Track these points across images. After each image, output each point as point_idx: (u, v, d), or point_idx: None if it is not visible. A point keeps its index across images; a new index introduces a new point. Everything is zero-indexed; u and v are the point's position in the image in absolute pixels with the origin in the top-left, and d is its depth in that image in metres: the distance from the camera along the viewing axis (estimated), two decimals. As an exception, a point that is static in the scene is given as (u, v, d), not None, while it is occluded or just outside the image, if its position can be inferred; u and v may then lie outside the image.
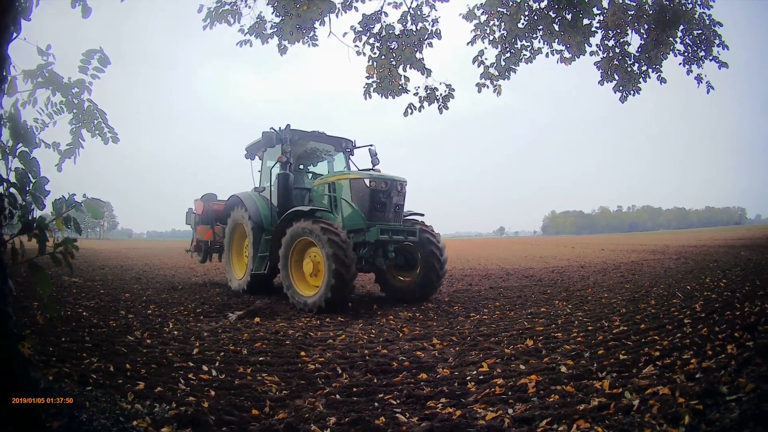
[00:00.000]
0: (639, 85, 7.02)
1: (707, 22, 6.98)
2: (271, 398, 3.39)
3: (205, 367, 3.96)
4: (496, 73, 6.33)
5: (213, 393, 3.36)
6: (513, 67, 6.39)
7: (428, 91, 6.11)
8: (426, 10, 6.19)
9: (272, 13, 6.21)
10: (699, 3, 6.96)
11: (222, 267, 10.25)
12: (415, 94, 6.18)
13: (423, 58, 6.15)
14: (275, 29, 6.22)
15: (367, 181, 7.57)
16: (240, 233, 9.31)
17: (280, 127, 8.47)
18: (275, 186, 8.41)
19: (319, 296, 6.79)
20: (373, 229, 7.27)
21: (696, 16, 6.96)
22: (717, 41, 6.99)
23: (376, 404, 3.34)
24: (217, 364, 4.11)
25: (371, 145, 9.31)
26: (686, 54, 7.08)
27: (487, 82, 6.30)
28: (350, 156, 9.58)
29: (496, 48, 6.40)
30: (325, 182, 8.20)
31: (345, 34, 6.19)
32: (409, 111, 6.27)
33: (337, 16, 6.17)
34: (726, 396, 2.90)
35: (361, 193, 7.57)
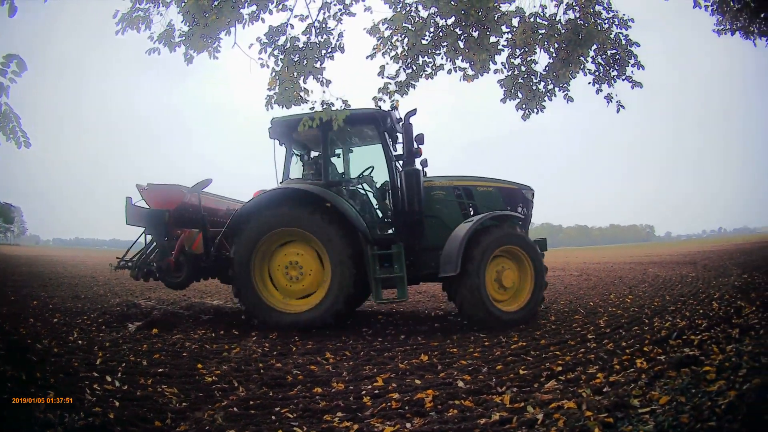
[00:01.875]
0: (543, 103, 7.80)
1: (623, 42, 7.80)
2: (172, 410, 3.84)
3: (108, 378, 4.43)
4: (395, 89, 6.99)
5: (117, 404, 3.78)
6: (412, 82, 7.06)
7: (324, 106, 6.59)
8: (332, 23, 6.71)
9: (182, 21, 6.63)
10: (616, 23, 7.77)
11: (233, 292, 7.97)
12: (311, 108, 6.65)
13: (324, 70, 6.64)
14: (183, 38, 6.63)
15: (527, 193, 8.74)
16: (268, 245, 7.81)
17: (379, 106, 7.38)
18: (404, 184, 7.79)
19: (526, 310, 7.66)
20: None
21: (612, 36, 7.77)
22: (632, 61, 7.82)
23: (273, 417, 3.80)
24: (119, 374, 4.61)
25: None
26: (597, 73, 7.93)
27: (385, 97, 6.96)
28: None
29: (397, 63, 7.02)
30: (449, 185, 8.30)
31: (251, 45, 6.65)
32: (306, 126, 6.77)
33: (243, 27, 6.63)
34: (638, 409, 3.23)
35: (519, 204, 8.55)
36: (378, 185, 8.61)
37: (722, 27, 9.17)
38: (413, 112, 7.89)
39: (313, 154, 9.05)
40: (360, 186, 8.61)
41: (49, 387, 3.84)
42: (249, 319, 7.76)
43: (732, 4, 8.58)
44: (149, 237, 8.83)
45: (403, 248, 7.57)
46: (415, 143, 7.81)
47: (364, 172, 8.66)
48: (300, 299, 7.74)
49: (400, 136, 8.20)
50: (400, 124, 8.09)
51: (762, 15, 8.73)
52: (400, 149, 8.26)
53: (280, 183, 8.32)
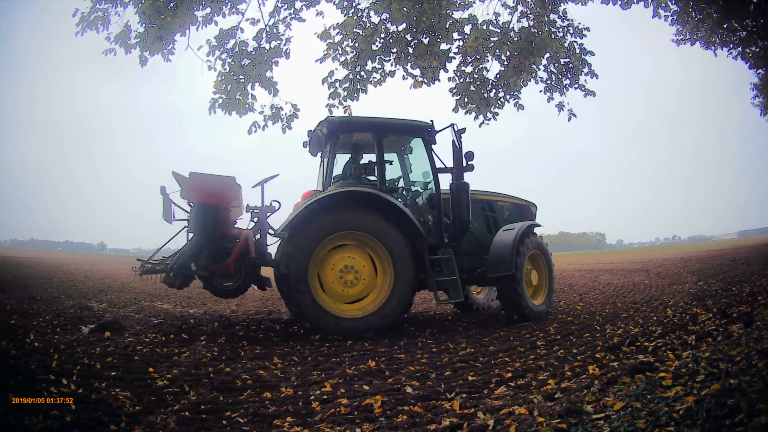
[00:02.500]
0: (496, 111, 8.30)
1: (577, 51, 8.28)
2: (126, 414, 3.92)
3: (64, 380, 4.50)
4: (344, 94, 7.39)
5: (74, 407, 3.83)
6: (361, 88, 7.46)
7: (273, 110, 6.98)
8: (282, 28, 7.01)
9: (138, 22, 6.84)
10: (571, 32, 8.25)
11: (284, 296, 8.08)
12: (261, 112, 6.97)
13: (272, 77, 6.92)
14: (138, 39, 6.85)
15: (533, 208, 9.96)
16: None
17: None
18: (457, 196, 8.53)
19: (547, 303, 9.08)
20: None
21: (566, 44, 8.23)
22: (586, 70, 8.34)
23: (224, 422, 3.88)
24: (74, 377, 4.69)
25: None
26: (549, 82, 8.42)
27: (336, 102, 7.37)
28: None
29: (347, 69, 7.39)
30: (475, 198, 8.97)
31: (200, 47, 6.89)
32: (254, 129, 7.11)
33: (197, 29, 6.90)
34: (592, 414, 3.27)
35: (528, 218, 9.76)
36: (425, 194, 9.00)
37: (681, 37, 9.53)
38: (463, 130, 8.45)
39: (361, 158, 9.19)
40: (410, 193, 9.09)
41: (9, 389, 3.92)
42: (197, 325, 8.04)
43: (693, 15, 8.92)
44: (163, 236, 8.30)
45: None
46: (464, 159, 8.38)
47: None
48: (348, 304, 7.92)
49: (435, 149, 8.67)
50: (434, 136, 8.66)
51: (725, 26, 9.11)
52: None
53: (333, 184, 8.35)
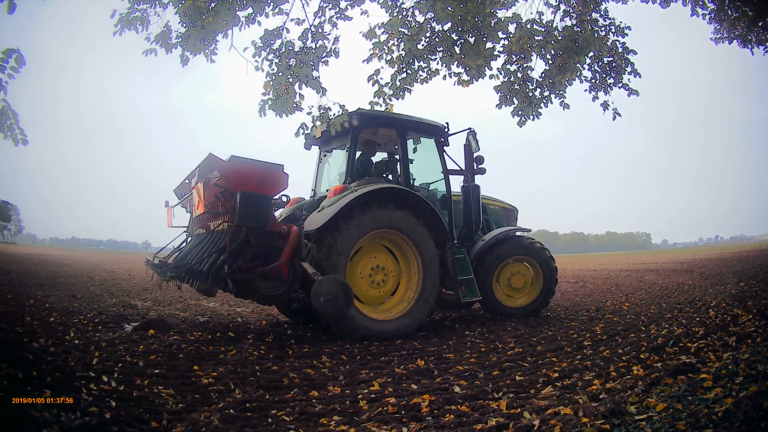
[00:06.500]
0: (540, 110, 7.87)
1: (620, 50, 7.88)
2: (168, 411, 3.80)
3: (105, 378, 4.39)
4: (390, 92, 7.08)
5: (114, 404, 3.75)
6: (407, 87, 7.15)
7: (321, 111, 6.58)
8: (327, 27, 6.66)
9: (179, 23, 6.54)
10: (613, 31, 7.86)
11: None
12: (309, 113, 6.60)
13: (319, 77, 6.56)
14: (180, 39, 6.54)
15: (516, 212, 10.12)
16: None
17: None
18: (468, 198, 8.51)
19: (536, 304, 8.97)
20: None
21: (608, 43, 7.85)
22: (629, 69, 7.94)
23: (270, 420, 3.79)
24: (115, 374, 4.56)
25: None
26: (593, 81, 8.02)
27: (380, 101, 7.04)
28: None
29: (393, 68, 7.11)
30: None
31: (246, 48, 6.60)
32: (301, 131, 6.77)
33: (240, 29, 6.56)
34: (635, 416, 3.22)
35: (513, 220, 9.98)
36: (437, 195, 8.77)
37: (720, 35, 9.12)
38: (474, 133, 8.49)
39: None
40: (426, 193, 8.70)
41: (46, 386, 3.80)
42: (246, 323, 7.80)
43: (730, 13, 8.51)
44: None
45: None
46: (475, 163, 8.45)
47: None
48: (372, 306, 7.37)
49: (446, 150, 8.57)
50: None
51: (760, 24, 8.70)
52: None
53: (362, 181, 7.62)
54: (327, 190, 8.04)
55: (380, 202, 7.12)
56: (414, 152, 8.58)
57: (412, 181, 8.16)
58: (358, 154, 8.26)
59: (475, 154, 8.51)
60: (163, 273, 6.74)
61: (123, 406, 3.80)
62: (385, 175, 8.21)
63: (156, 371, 4.92)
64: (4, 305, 8.05)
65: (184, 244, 8.12)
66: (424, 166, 8.65)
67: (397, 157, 8.36)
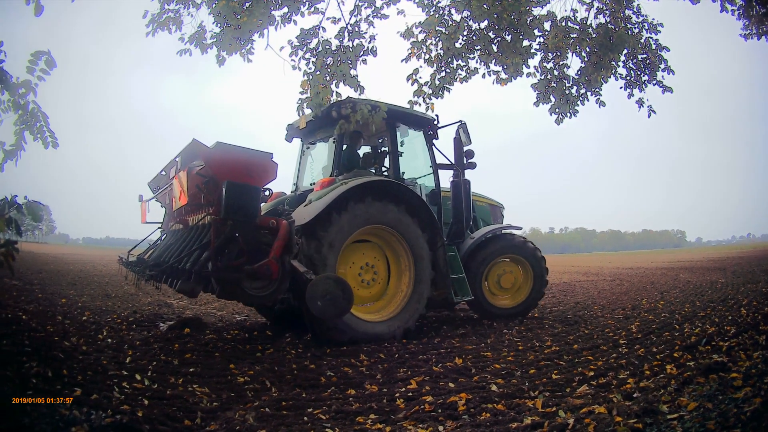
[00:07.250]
0: (576, 107, 7.79)
1: (653, 46, 7.76)
2: (202, 409, 3.74)
3: (138, 376, 4.32)
4: (430, 92, 6.94)
5: (146, 402, 3.68)
6: (447, 86, 7.03)
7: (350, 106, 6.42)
8: (364, 26, 6.58)
9: (213, 23, 6.47)
10: (646, 28, 7.75)
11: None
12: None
13: (357, 75, 6.41)
14: (215, 39, 6.48)
15: (502, 209, 9.87)
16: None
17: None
18: (459, 193, 7.99)
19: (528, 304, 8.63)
20: None
21: (642, 40, 7.74)
22: (662, 66, 7.79)
23: (306, 419, 3.71)
24: (149, 373, 4.50)
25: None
26: (628, 78, 7.90)
27: (420, 100, 6.89)
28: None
29: (432, 67, 7.01)
30: None
31: (282, 48, 6.49)
32: (340, 130, 6.64)
33: (276, 29, 6.52)
34: (667, 415, 3.17)
35: (499, 217, 9.68)
36: (426, 191, 8.16)
37: (749, 32, 8.90)
38: (464, 126, 8.05)
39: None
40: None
41: (76, 384, 3.78)
42: (280, 323, 7.57)
43: (758, 9, 8.29)
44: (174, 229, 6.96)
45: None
46: (465, 157, 8.01)
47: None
48: (360, 307, 6.84)
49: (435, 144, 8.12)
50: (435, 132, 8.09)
51: None
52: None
53: (351, 174, 7.15)
54: (312, 184, 7.68)
55: (376, 196, 6.63)
56: (401, 145, 7.98)
57: (401, 175, 7.66)
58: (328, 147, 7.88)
59: (465, 148, 8.02)
60: (141, 271, 6.21)
61: (156, 404, 3.74)
62: (374, 169, 7.59)
63: (191, 370, 4.85)
64: (35, 304, 8.00)
65: (159, 242, 7.63)
66: (411, 160, 8.16)
67: (385, 149, 7.85)
